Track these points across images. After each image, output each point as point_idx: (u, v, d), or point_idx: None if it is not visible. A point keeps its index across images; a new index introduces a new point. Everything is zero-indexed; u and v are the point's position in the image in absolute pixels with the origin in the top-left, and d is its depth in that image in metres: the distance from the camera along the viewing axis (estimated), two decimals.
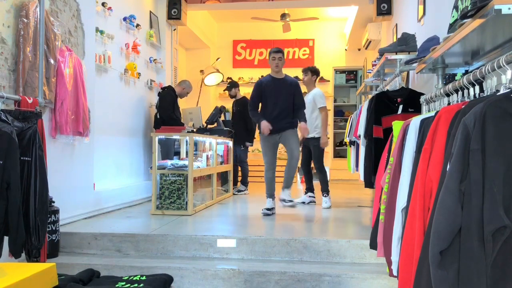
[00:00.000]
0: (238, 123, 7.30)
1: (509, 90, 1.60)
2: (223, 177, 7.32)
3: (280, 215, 5.03)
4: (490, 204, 1.46)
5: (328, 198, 5.70)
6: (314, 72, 6.15)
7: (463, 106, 1.76)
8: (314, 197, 6.00)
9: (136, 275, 3.01)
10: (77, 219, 4.45)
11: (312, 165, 6.05)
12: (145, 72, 6.81)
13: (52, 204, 3.67)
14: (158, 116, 6.55)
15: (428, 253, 1.59)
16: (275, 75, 5.15)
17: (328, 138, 6.25)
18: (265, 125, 4.93)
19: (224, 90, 7.88)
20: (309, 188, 6.03)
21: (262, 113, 5.11)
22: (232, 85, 7.64)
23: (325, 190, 5.73)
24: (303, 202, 5.96)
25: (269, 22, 9.60)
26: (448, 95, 2.41)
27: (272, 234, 3.89)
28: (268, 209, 5.00)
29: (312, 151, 5.92)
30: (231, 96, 7.65)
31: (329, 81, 10.91)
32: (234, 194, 7.19)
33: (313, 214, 5.24)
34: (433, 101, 2.70)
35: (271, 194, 5.09)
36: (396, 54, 4.14)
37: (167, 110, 6.48)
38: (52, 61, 3.84)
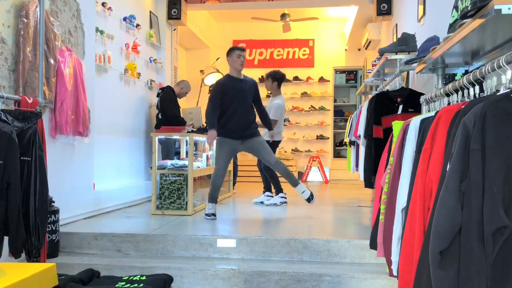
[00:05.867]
0: None
1: (509, 90, 1.60)
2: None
3: (280, 215, 5.04)
4: (490, 204, 1.46)
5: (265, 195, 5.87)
6: (274, 78, 6.06)
7: (463, 106, 1.76)
8: (285, 197, 5.87)
9: (136, 275, 3.02)
10: (77, 219, 4.45)
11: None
12: (145, 72, 6.81)
13: (52, 204, 3.67)
14: (160, 116, 6.56)
15: (428, 253, 1.59)
16: (236, 75, 4.84)
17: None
18: (212, 134, 4.61)
19: (208, 93, 7.89)
20: (278, 189, 5.92)
21: (223, 118, 4.77)
22: None
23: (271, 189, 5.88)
24: (275, 204, 5.82)
25: (269, 22, 9.60)
26: (448, 95, 2.41)
27: (272, 234, 3.89)
28: (210, 215, 4.72)
29: None
30: None
31: (329, 81, 10.91)
32: None
33: (313, 214, 5.23)
34: (433, 101, 2.70)
35: (214, 199, 4.77)
36: (396, 54, 4.14)
37: (171, 109, 6.51)
38: (52, 61, 3.84)
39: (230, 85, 4.80)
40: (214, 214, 4.72)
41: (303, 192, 4.90)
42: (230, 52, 4.86)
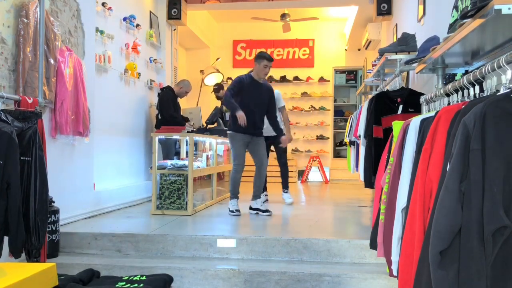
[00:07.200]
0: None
1: (509, 90, 1.60)
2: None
3: (280, 215, 5.04)
4: (490, 204, 1.46)
5: (289, 194, 5.90)
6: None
7: (463, 106, 1.76)
8: (266, 195, 5.98)
9: (136, 275, 3.01)
10: (77, 219, 4.44)
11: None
12: (145, 72, 6.81)
13: (52, 204, 3.67)
14: (159, 117, 6.56)
15: (428, 253, 1.59)
16: (257, 78, 5.07)
17: (291, 138, 6.09)
18: (242, 115, 4.76)
19: (212, 92, 7.96)
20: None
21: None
22: (220, 87, 7.81)
23: (286, 186, 5.92)
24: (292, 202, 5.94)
25: (269, 22, 9.60)
26: (448, 95, 2.41)
27: (272, 234, 3.89)
28: (234, 211, 5.02)
29: (275, 148, 5.98)
30: (219, 98, 7.72)
31: (329, 81, 10.91)
32: None
33: (313, 214, 5.24)
34: (433, 101, 2.70)
35: (235, 194, 5.08)
36: (396, 54, 4.14)
37: (168, 110, 6.50)
38: (52, 61, 3.84)
39: (250, 83, 5.04)
40: (238, 210, 5.02)
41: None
42: (259, 58, 5.01)
